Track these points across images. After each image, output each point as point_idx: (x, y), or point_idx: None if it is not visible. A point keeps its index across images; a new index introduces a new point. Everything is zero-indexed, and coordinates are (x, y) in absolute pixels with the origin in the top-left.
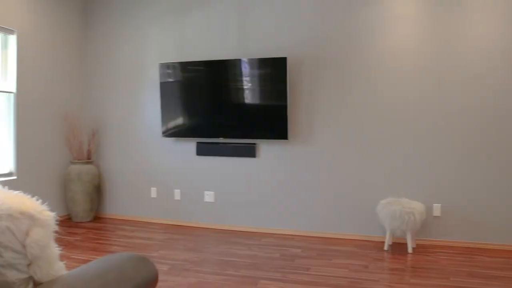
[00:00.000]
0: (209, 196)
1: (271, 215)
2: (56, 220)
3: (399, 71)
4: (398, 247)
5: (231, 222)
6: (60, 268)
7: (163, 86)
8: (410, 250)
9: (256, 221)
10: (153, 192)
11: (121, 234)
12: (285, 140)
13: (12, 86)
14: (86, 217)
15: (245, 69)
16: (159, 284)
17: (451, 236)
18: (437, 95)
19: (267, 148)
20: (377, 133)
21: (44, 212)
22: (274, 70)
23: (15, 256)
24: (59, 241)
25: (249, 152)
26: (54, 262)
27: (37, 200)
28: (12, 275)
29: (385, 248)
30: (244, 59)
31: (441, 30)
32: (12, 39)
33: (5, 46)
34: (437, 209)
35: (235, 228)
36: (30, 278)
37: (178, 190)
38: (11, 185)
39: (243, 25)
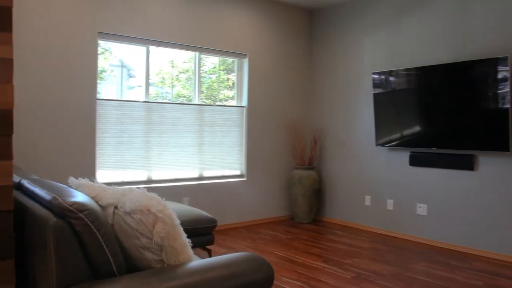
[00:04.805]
0: (421, 209)
1: (489, 237)
2: (182, 223)
3: None
4: None
5: (443, 239)
6: (187, 257)
7: (376, 94)
8: None
9: (470, 241)
10: (367, 200)
11: (330, 238)
12: (507, 152)
13: (244, 101)
14: (305, 219)
15: (461, 72)
16: None
17: None
18: None
19: (486, 161)
20: None
21: (164, 211)
22: (493, 72)
23: (148, 241)
24: (273, 237)
25: (466, 164)
26: (182, 252)
27: (266, 198)
28: (149, 255)
29: None
30: (459, 62)
31: None
32: (245, 62)
33: (240, 68)
34: None
35: (446, 246)
36: (162, 260)
37: (391, 200)
38: (241, 185)
39: (458, 26)
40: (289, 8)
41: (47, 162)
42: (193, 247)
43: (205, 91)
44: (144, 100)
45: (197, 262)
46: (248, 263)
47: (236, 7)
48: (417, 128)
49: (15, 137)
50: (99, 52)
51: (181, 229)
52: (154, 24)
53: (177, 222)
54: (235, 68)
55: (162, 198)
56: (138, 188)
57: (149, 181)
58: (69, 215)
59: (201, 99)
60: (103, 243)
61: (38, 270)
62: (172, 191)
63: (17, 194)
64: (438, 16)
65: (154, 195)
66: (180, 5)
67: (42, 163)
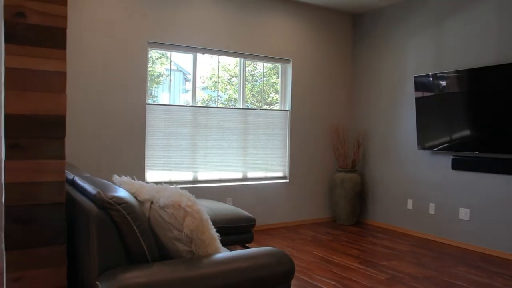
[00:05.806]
0: (464, 214)
1: None
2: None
3: None
4: None
5: (485, 244)
6: (215, 249)
7: (418, 98)
8: None
9: None
10: (409, 204)
11: (369, 240)
12: None
13: (288, 104)
14: (347, 221)
15: (506, 75)
16: None
17: None
18: None
19: None
20: None
21: (193, 207)
22: None
23: (179, 233)
24: (313, 238)
25: (511, 169)
26: (210, 244)
27: (309, 200)
28: (180, 246)
29: None
30: (506, 64)
31: None
32: (289, 67)
33: (284, 73)
34: None
35: (488, 252)
36: (192, 251)
37: (433, 204)
38: (284, 186)
39: (504, 27)
40: (332, 13)
41: (101, 162)
42: (232, 244)
43: (255, 95)
44: (191, 104)
45: (223, 254)
46: (270, 257)
47: (279, 14)
48: (460, 132)
49: (74, 139)
50: (156, 57)
51: (209, 223)
52: (200, 32)
53: (206, 217)
54: (279, 73)
55: (192, 195)
56: (173, 186)
57: (195, 181)
58: (109, 207)
59: (252, 102)
60: (138, 233)
61: (84, 254)
62: (217, 191)
63: (70, 189)
64: (484, 18)
65: (185, 192)
66: (225, 14)
67: (97, 163)
